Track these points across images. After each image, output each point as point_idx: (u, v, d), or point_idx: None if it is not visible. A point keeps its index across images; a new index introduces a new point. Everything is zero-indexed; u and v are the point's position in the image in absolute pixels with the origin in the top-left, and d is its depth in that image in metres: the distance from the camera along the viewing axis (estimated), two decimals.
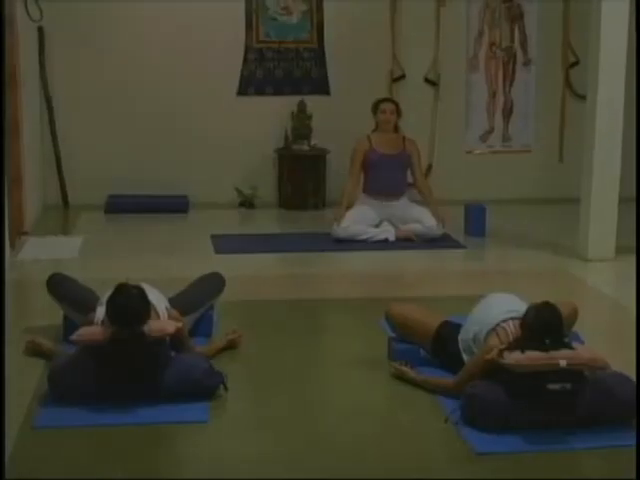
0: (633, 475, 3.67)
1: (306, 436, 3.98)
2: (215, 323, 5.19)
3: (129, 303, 4.16)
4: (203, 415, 4.10)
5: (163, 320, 4.40)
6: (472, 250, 7.47)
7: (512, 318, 4.23)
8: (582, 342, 4.63)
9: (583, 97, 7.62)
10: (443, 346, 4.57)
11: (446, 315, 4.77)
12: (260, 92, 9.00)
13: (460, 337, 4.48)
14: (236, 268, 6.51)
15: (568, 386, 3.89)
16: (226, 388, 4.28)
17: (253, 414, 4.28)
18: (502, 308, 4.33)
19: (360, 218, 7.54)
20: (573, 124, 9.00)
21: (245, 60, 8.93)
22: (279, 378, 4.65)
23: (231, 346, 4.90)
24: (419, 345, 4.71)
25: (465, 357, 4.39)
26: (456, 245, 7.51)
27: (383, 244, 7.46)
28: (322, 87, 9.05)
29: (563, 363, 3.86)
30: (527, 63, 9.33)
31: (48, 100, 8.69)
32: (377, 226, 7.61)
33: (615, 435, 3.93)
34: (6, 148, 6.16)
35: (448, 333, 4.57)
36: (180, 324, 4.41)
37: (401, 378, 4.50)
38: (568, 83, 9.31)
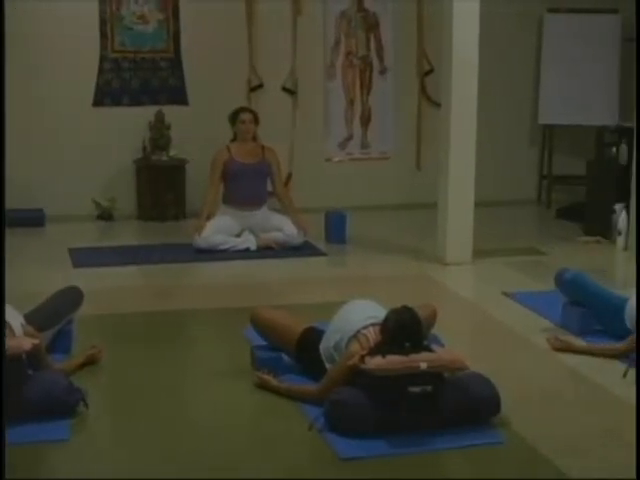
0: (496, 474, 3.76)
1: (169, 451, 3.93)
2: (74, 338, 5.07)
3: None
4: (63, 433, 4.00)
5: (18, 337, 4.27)
6: (333, 257, 7.52)
7: (372, 324, 4.26)
8: (442, 345, 4.70)
9: (438, 104, 7.76)
10: (306, 353, 4.58)
11: (310, 322, 4.78)
12: (117, 102, 8.87)
13: (321, 346, 4.49)
14: (96, 281, 6.40)
15: (429, 388, 3.95)
16: (86, 405, 4.19)
17: (115, 430, 4.20)
18: (362, 315, 4.36)
19: (221, 228, 7.50)
20: (429, 131, 9.17)
21: (100, 70, 8.78)
22: (141, 392, 4.57)
23: (91, 361, 4.80)
24: (283, 350, 4.71)
25: (328, 365, 4.40)
26: (317, 252, 7.55)
27: (245, 253, 7.45)
28: (180, 97, 8.98)
29: (423, 366, 3.92)
30: (383, 71, 9.46)
31: None
32: (238, 236, 7.58)
33: (476, 434, 4.01)
34: None
35: (311, 340, 4.57)
36: (37, 341, 4.29)
37: (265, 387, 4.49)
38: (424, 91, 9.48)
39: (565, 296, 5.57)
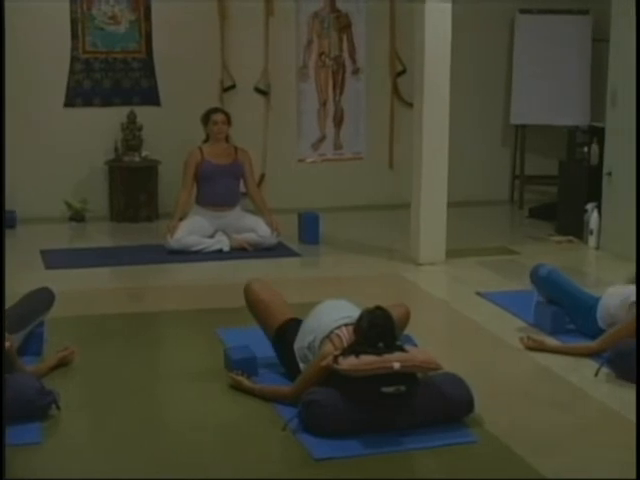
0: (469, 473, 3.77)
1: (144, 452, 3.91)
2: (46, 340, 5.04)
3: None
4: (36, 436, 3.98)
5: None
6: (307, 258, 7.51)
7: (345, 324, 4.26)
8: (415, 345, 4.71)
9: (411, 105, 7.78)
10: (282, 345, 4.59)
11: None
12: (88, 103, 8.82)
13: (295, 346, 4.49)
14: (68, 283, 6.36)
15: (402, 388, 3.95)
16: (58, 407, 4.16)
17: (88, 432, 4.17)
18: (335, 315, 4.36)
19: (193, 229, 7.48)
20: (402, 131, 9.19)
21: (71, 71, 8.73)
22: (115, 394, 4.55)
23: (63, 363, 4.77)
24: (263, 331, 4.72)
25: (301, 365, 4.41)
26: (291, 253, 7.54)
27: (218, 254, 7.43)
28: (152, 98, 8.94)
29: (397, 366, 3.92)
30: (356, 72, 9.47)
31: None
32: (211, 237, 7.56)
33: (449, 434, 4.02)
34: None
35: (289, 333, 4.56)
36: (8, 343, 4.26)
37: (238, 388, 4.48)
38: (396, 91, 9.50)
39: (539, 292, 5.59)
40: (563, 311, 5.45)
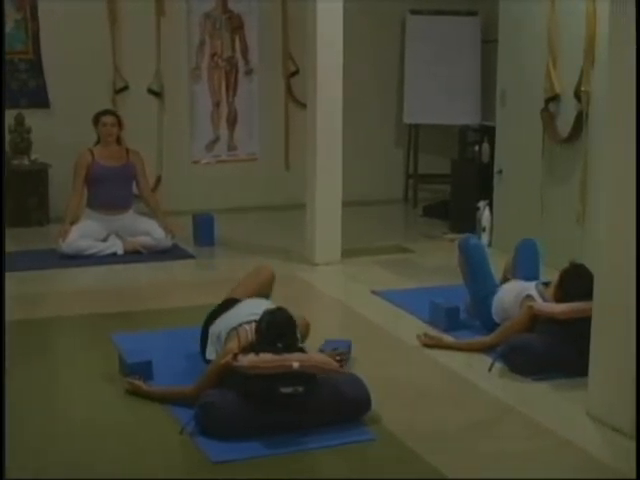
0: (367, 470, 3.78)
1: (38, 461, 3.83)
2: None
3: None
4: None
5: None
6: (202, 260, 7.46)
7: (255, 320, 4.26)
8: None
9: (305, 105, 7.79)
10: (206, 322, 4.73)
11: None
12: None
13: (210, 330, 4.60)
14: None
15: (300, 389, 3.94)
16: None
17: None
18: (249, 310, 4.42)
19: (86, 233, 7.35)
20: (297, 132, 9.19)
21: None
22: (7, 402, 4.43)
23: None
24: None
25: (209, 347, 4.54)
26: (186, 255, 7.47)
27: (112, 258, 7.32)
28: (41, 99, 8.75)
29: (296, 365, 3.91)
30: (249, 72, 9.45)
31: None
32: (104, 240, 7.45)
33: (347, 432, 4.03)
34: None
35: (216, 313, 4.69)
36: None
37: (136, 393, 4.42)
38: (290, 92, 9.51)
39: (466, 260, 5.51)
40: (457, 308, 5.54)
